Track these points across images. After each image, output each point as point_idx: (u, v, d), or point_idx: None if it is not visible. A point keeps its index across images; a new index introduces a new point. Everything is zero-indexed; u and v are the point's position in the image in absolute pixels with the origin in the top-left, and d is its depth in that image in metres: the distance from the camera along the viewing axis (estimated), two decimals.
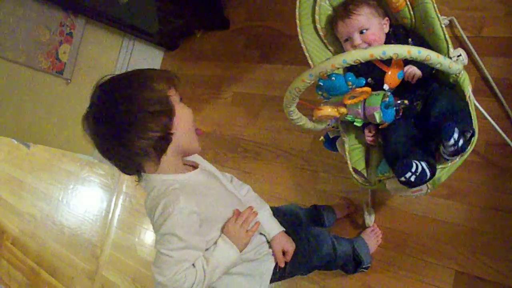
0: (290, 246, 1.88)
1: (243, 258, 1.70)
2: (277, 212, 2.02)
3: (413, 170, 1.64)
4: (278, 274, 1.90)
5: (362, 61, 1.49)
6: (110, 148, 1.52)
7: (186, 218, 1.49)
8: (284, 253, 1.87)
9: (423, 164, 1.66)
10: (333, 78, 1.65)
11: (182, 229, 1.49)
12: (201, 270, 1.53)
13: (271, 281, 1.88)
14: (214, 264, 1.56)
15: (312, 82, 1.58)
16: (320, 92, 1.73)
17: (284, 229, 1.92)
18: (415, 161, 1.65)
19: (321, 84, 1.68)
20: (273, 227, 1.90)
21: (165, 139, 1.51)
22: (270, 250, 1.88)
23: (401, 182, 1.69)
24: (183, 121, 1.56)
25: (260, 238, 1.85)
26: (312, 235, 2.08)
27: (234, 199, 1.79)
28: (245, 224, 1.65)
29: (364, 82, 1.67)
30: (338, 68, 1.52)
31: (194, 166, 1.72)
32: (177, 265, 1.48)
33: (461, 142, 1.60)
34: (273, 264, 1.87)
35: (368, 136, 1.99)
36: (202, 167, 1.75)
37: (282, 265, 1.87)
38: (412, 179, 1.65)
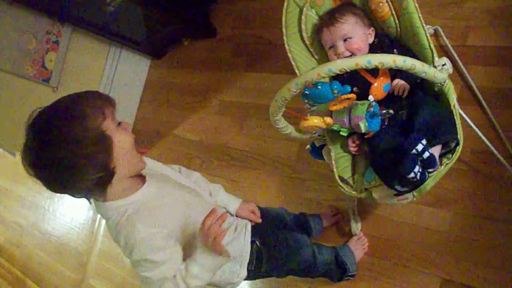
0: (253, 206, 2.03)
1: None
2: (262, 212, 2.05)
3: (419, 163, 1.64)
4: (253, 272, 1.91)
5: (348, 70, 1.50)
6: (55, 189, 1.51)
7: (150, 243, 1.51)
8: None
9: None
10: (319, 86, 1.66)
11: (150, 253, 1.51)
12: (181, 282, 1.53)
13: (245, 278, 1.90)
14: (194, 273, 1.54)
15: (298, 91, 1.58)
16: (306, 100, 1.74)
17: (242, 200, 2.03)
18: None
19: (307, 92, 1.69)
20: (233, 202, 2.02)
21: (107, 175, 1.49)
22: (242, 222, 1.95)
23: (409, 179, 1.67)
24: (123, 149, 1.51)
25: (229, 217, 1.91)
26: (292, 239, 2.09)
27: (190, 193, 1.81)
28: (218, 238, 1.52)
29: (349, 89, 1.68)
30: (324, 77, 1.53)
31: (143, 176, 1.70)
32: (158, 283, 1.51)
33: (426, 154, 1.60)
34: (249, 236, 1.90)
35: (352, 147, 2.00)
36: (150, 172, 1.73)
37: (260, 220, 1.98)
38: (418, 176, 1.64)
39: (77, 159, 1.40)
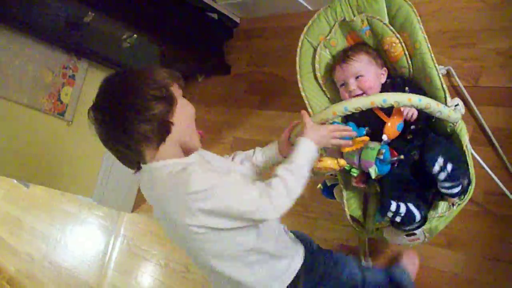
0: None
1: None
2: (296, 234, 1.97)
3: (392, 209, 1.65)
4: None
5: (363, 109, 1.52)
6: (112, 136, 1.51)
7: (229, 185, 1.48)
8: None
9: (410, 205, 1.67)
10: None
11: (233, 191, 1.48)
12: (282, 176, 1.53)
13: None
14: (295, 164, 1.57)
15: None
16: None
17: (276, 141, 1.93)
18: (397, 202, 1.66)
19: None
20: (272, 149, 1.92)
21: (164, 125, 1.50)
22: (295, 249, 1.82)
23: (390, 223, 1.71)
24: (184, 113, 1.56)
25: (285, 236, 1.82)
26: (331, 258, 1.93)
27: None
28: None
29: (364, 132, 1.69)
30: (339, 116, 1.54)
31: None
32: (261, 198, 1.48)
33: (449, 166, 1.61)
34: (301, 259, 1.79)
35: (357, 184, 1.99)
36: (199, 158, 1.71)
37: None
38: (398, 219, 1.66)
39: (141, 98, 1.46)
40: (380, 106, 1.54)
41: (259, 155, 1.93)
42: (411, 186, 1.78)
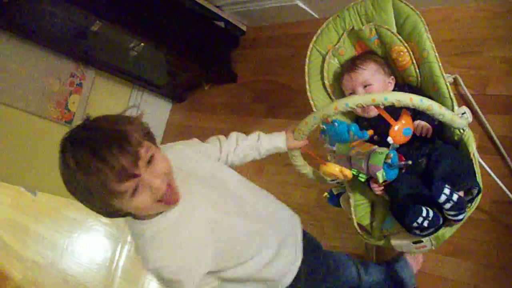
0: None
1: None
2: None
3: (423, 215, 1.64)
4: None
5: (364, 106, 1.54)
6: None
7: (160, 272, 1.47)
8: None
9: (434, 210, 1.67)
10: (336, 124, 1.67)
11: (164, 276, 1.47)
12: None
13: None
14: None
15: (315, 125, 1.65)
16: (323, 136, 1.76)
17: (283, 132, 1.93)
18: (425, 207, 1.66)
19: (324, 127, 1.71)
20: (278, 140, 1.91)
21: (127, 215, 1.45)
22: (297, 233, 1.85)
23: (414, 229, 1.68)
24: (139, 210, 1.39)
25: (283, 225, 1.83)
26: (332, 258, 1.98)
27: (220, 196, 1.65)
28: None
29: (367, 136, 1.69)
30: (341, 112, 1.55)
31: None
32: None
33: (455, 196, 1.60)
34: (300, 253, 1.80)
35: (376, 188, 1.97)
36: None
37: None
38: (425, 224, 1.64)
39: (94, 206, 1.35)
40: (381, 104, 1.53)
41: (264, 142, 1.94)
42: (424, 193, 1.77)
